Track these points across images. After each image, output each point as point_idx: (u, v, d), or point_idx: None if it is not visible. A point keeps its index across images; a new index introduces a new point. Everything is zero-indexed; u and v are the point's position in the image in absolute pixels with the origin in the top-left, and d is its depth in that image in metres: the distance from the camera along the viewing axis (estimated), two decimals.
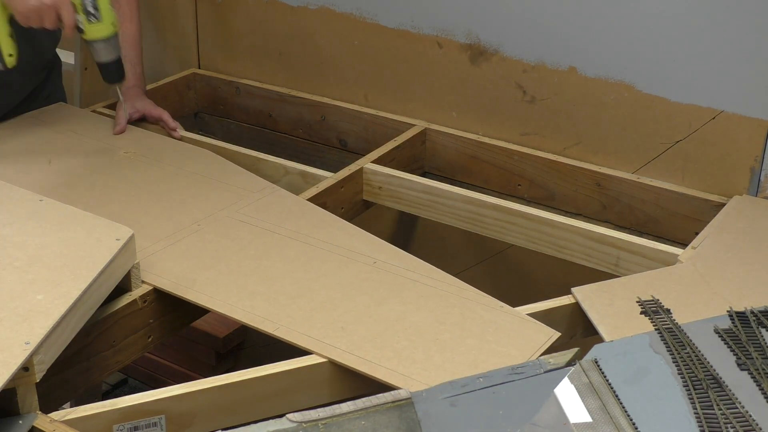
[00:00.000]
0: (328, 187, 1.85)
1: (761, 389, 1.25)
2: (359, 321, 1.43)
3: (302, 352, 1.39)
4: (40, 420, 1.24)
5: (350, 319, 1.43)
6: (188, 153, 1.97)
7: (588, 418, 1.20)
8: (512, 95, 1.98)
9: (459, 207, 1.83)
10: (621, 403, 1.22)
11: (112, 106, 2.15)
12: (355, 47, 2.16)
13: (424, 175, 2.07)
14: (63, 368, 1.38)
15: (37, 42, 1.96)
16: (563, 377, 1.27)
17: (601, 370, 1.28)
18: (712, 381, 1.26)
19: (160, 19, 2.45)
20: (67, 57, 2.39)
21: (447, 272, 1.55)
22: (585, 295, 1.47)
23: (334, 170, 1.93)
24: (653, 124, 1.84)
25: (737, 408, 1.21)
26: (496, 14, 1.95)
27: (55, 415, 1.26)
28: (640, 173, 1.88)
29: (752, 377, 1.27)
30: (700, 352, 1.31)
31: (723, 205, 1.76)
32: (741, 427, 1.18)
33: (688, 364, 1.29)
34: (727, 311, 1.42)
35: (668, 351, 1.32)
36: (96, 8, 1.70)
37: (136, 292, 1.49)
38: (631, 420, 1.19)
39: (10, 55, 1.75)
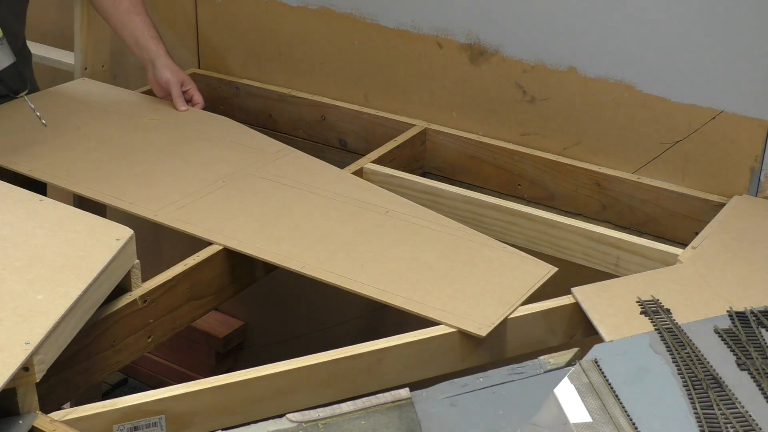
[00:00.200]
0: None
1: (761, 389, 1.25)
2: (377, 260, 1.58)
3: (302, 352, 1.39)
4: (40, 420, 1.24)
5: (369, 258, 1.58)
6: (207, 119, 2.12)
7: (588, 418, 1.20)
8: (512, 95, 1.98)
9: (459, 207, 1.83)
10: (621, 403, 1.22)
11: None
12: (355, 47, 2.16)
13: (424, 175, 2.07)
14: (63, 368, 1.38)
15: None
16: (563, 377, 1.27)
17: (601, 370, 1.28)
18: (712, 381, 1.26)
19: (160, 19, 2.45)
20: (67, 57, 2.39)
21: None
22: (585, 295, 1.47)
23: None
24: (653, 124, 1.84)
25: (737, 408, 1.21)
26: (496, 14, 1.95)
27: (55, 415, 1.26)
28: (640, 173, 1.88)
29: (752, 377, 1.27)
30: (700, 352, 1.31)
31: (723, 205, 1.76)
32: (741, 427, 1.18)
33: (688, 364, 1.29)
34: (727, 311, 1.42)
35: (668, 351, 1.32)
36: None
37: (136, 292, 1.50)
38: (631, 420, 1.19)
39: None
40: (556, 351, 1.37)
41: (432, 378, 1.36)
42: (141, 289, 1.51)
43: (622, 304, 1.44)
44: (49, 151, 1.93)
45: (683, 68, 1.77)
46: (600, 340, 1.37)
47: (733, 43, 1.70)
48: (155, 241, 2.68)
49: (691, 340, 1.34)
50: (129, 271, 1.48)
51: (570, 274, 1.60)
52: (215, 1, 2.34)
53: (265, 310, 2.69)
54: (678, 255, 1.59)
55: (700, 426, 1.18)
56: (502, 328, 1.45)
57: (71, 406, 1.30)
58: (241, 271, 1.67)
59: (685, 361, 1.30)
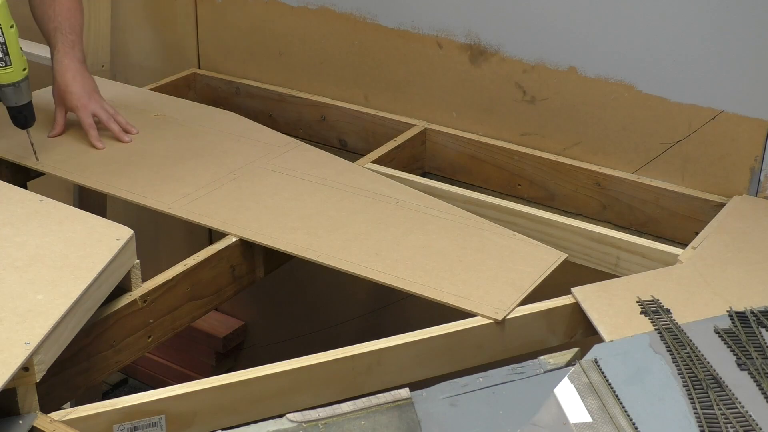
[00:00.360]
0: None
1: (761, 389, 1.25)
2: (391, 248, 1.61)
3: (302, 352, 1.39)
4: (40, 420, 1.24)
5: (383, 246, 1.61)
6: (213, 114, 2.14)
7: (588, 418, 1.20)
8: (512, 95, 1.98)
9: (459, 207, 1.83)
10: (621, 403, 1.22)
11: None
12: (355, 47, 2.16)
13: (424, 175, 2.07)
14: (63, 368, 1.38)
15: None
16: (563, 377, 1.27)
17: (601, 370, 1.28)
18: (712, 381, 1.26)
19: (160, 19, 2.45)
20: None
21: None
22: (585, 295, 1.47)
23: None
24: (653, 124, 1.84)
25: (737, 408, 1.21)
26: (496, 14, 1.95)
27: (55, 415, 1.26)
28: (640, 173, 1.88)
29: (752, 377, 1.27)
30: (700, 352, 1.31)
31: (723, 205, 1.76)
32: (741, 427, 1.18)
33: (688, 364, 1.29)
34: (727, 311, 1.42)
35: (668, 351, 1.32)
36: (6, 53, 1.71)
37: (136, 292, 1.50)
38: (631, 420, 1.19)
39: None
40: (556, 351, 1.37)
41: (432, 378, 1.36)
42: (141, 289, 1.51)
43: (622, 304, 1.44)
44: (57, 145, 1.94)
45: (683, 68, 1.77)
46: (600, 340, 1.37)
47: (733, 43, 1.70)
48: (155, 241, 2.68)
49: (691, 340, 1.34)
50: (129, 271, 1.48)
51: (570, 274, 1.60)
52: (215, 1, 2.34)
53: (265, 310, 2.69)
54: (678, 255, 1.59)
55: (700, 426, 1.18)
56: (502, 328, 1.45)
57: (71, 406, 1.30)
58: (241, 271, 1.68)
59: (685, 361, 1.30)
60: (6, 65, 1.72)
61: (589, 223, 1.75)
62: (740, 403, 1.22)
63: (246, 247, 1.67)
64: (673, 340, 1.34)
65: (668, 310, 1.42)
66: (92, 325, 1.42)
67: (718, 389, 1.24)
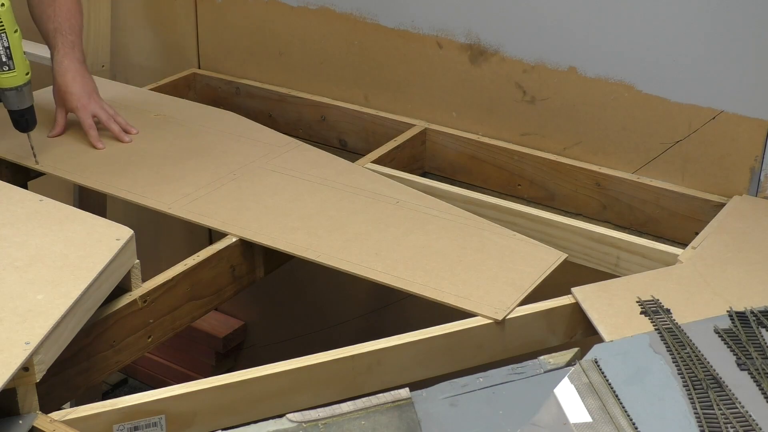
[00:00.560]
0: None
1: (761, 389, 1.25)
2: (391, 248, 1.61)
3: (302, 352, 1.39)
4: (40, 420, 1.24)
5: (383, 247, 1.61)
6: (213, 114, 2.14)
7: (588, 418, 1.20)
8: (512, 95, 1.98)
9: (459, 207, 1.83)
10: (621, 403, 1.22)
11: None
12: (355, 47, 2.16)
13: (424, 175, 2.07)
14: (63, 368, 1.38)
15: None
16: (563, 377, 1.27)
17: (601, 370, 1.28)
18: (712, 381, 1.26)
19: (160, 19, 2.45)
20: None
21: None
22: (585, 295, 1.47)
23: None
24: (653, 124, 1.84)
25: (737, 408, 1.21)
26: (496, 14, 1.95)
27: (55, 415, 1.26)
28: (640, 173, 1.88)
29: (752, 377, 1.27)
30: (700, 352, 1.31)
31: (723, 205, 1.76)
32: (741, 427, 1.18)
33: (688, 364, 1.29)
34: (727, 311, 1.42)
35: (668, 351, 1.32)
36: (9, 57, 1.71)
37: (136, 292, 1.50)
38: (631, 420, 1.19)
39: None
40: (556, 351, 1.37)
41: (432, 378, 1.36)
42: (141, 289, 1.51)
43: (622, 304, 1.44)
44: (57, 146, 1.94)
45: (683, 68, 1.77)
46: (600, 340, 1.37)
47: (733, 43, 1.70)
48: (155, 241, 2.68)
49: (691, 340, 1.34)
50: (129, 271, 1.48)
51: (570, 274, 1.60)
52: (215, 1, 2.34)
53: (265, 310, 2.69)
54: (678, 255, 1.59)
55: (700, 426, 1.18)
56: (502, 328, 1.45)
57: (71, 406, 1.30)
58: (241, 271, 1.68)
59: (685, 361, 1.30)
60: (9, 69, 1.72)
61: (589, 223, 1.75)
62: (740, 403, 1.22)
63: (246, 247, 1.67)
64: (673, 340, 1.34)
65: (668, 310, 1.42)
66: (92, 325, 1.42)
67: (718, 389, 1.24)
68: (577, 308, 1.46)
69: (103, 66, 2.39)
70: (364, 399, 1.26)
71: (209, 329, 2.67)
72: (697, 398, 1.22)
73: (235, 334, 2.69)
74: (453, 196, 1.84)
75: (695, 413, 1.20)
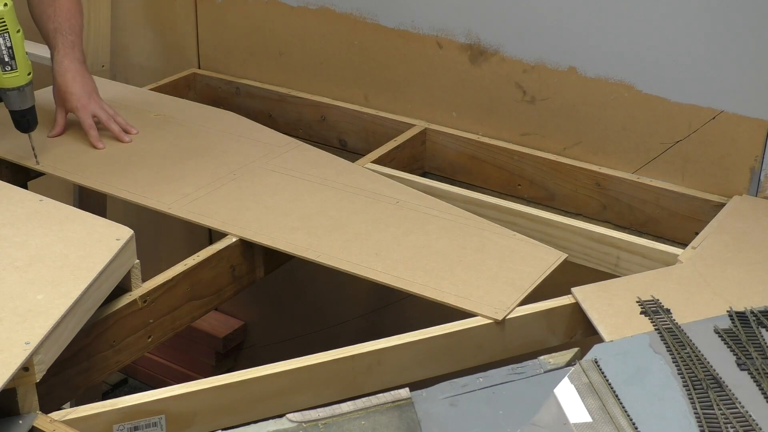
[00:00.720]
0: None
1: (761, 389, 1.25)
2: (391, 248, 1.61)
3: (302, 352, 1.39)
4: (40, 420, 1.24)
5: (383, 247, 1.61)
6: (213, 114, 2.14)
7: (588, 418, 1.20)
8: (512, 95, 1.98)
9: (459, 207, 1.83)
10: (621, 403, 1.22)
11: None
12: (355, 47, 2.16)
13: (424, 175, 2.07)
14: (63, 368, 1.38)
15: None
16: (563, 377, 1.27)
17: (601, 370, 1.28)
18: (712, 381, 1.26)
19: (160, 19, 2.45)
20: None
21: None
22: (585, 295, 1.47)
23: None
24: (653, 124, 1.84)
25: (737, 408, 1.21)
26: (496, 14, 1.94)
27: (55, 415, 1.26)
28: (640, 173, 1.88)
29: (752, 377, 1.27)
30: (700, 352, 1.31)
31: (723, 205, 1.76)
32: (741, 427, 1.18)
33: (688, 364, 1.29)
34: (727, 311, 1.42)
35: (668, 351, 1.32)
36: (12, 58, 1.71)
37: (136, 292, 1.50)
38: (631, 420, 1.19)
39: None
40: (556, 351, 1.37)
41: (432, 378, 1.36)
42: (141, 289, 1.51)
43: (622, 304, 1.44)
44: (57, 146, 1.94)
45: (683, 68, 1.77)
46: (600, 340, 1.37)
47: (733, 43, 1.70)
48: (155, 241, 2.68)
49: (691, 340, 1.34)
50: (129, 271, 1.48)
51: (570, 274, 1.60)
52: (215, 1, 2.34)
53: (265, 310, 2.69)
54: (678, 255, 1.59)
55: (700, 426, 1.18)
56: (502, 328, 1.45)
57: (71, 406, 1.30)
58: (241, 271, 1.68)
59: (685, 361, 1.30)
60: (12, 69, 1.72)
61: (589, 223, 1.75)
62: (740, 403, 1.22)
63: (246, 247, 1.67)
64: (673, 340, 1.34)
65: (668, 310, 1.42)
66: (92, 325, 1.42)
67: (718, 389, 1.24)
68: (577, 308, 1.46)
69: (103, 66, 2.39)
70: (364, 399, 1.26)
71: (209, 329, 2.67)
72: (697, 398, 1.22)
73: (235, 334, 2.69)
74: (453, 196, 1.84)
75: (695, 413, 1.20)
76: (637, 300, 1.45)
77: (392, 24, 2.08)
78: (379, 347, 1.39)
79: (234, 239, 1.65)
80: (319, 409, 1.25)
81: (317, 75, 2.25)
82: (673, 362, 1.30)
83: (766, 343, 1.34)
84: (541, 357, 1.34)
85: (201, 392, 1.31)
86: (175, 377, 2.73)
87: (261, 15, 2.28)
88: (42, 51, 2.24)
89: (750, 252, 1.58)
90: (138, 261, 1.49)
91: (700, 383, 1.25)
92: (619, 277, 1.58)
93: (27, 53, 1.75)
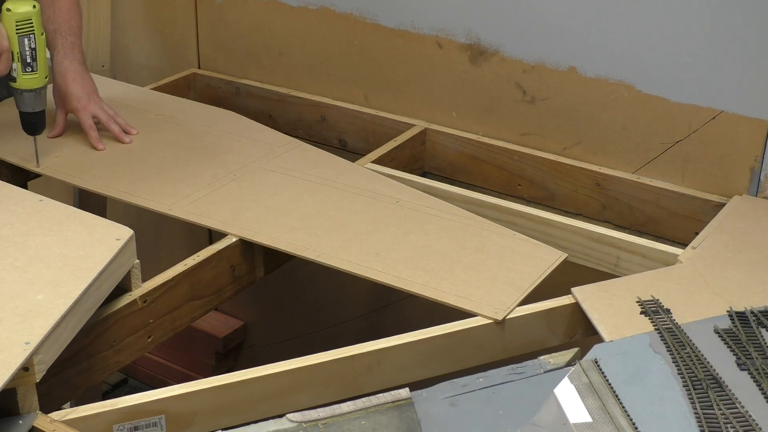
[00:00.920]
0: None
1: (761, 389, 1.25)
2: (391, 248, 1.61)
3: (302, 352, 1.39)
4: (40, 420, 1.24)
5: (383, 246, 1.61)
6: (213, 114, 2.13)
7: (588, 418, 1.20)
8: (512, 95, 1.98)
9: (459, 207, 1.83)
10: (621, 403, 1.22)
11: None
12: (355, 47, 2.16)
13: (424, 175, 2.07)
14: (63, 368, 1.38)
15: None
16: (563, 377, 1.27)
17: (601, 370, 1.28)
18: (712, 381, 1.26)
19: (160, 19, 2.45)
20: None
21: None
22: (585, 295, 1.47)
23: None
24: (653, 124, 1.84)
25: (737, 408, 1.21)
26: (496, 14, 1.95)
27: (55, 415, 1.26)
28: (640, 173, 1.88)
29: (752, 377, 1.27)
30: (700, 352, 1.31)
31: (723, 205, 1.76)
32: (741, 427, 1.18)
33: (688, 364, 1.29)
34: (727, 311, 1.42)
35: (668, 351, 1.32)
36: (34, 59, 1.72)
37: (136, 292, 1.50)
38: (631, 420, 1.19)
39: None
40: (556, 351, 1.37)
41: (432, 378, 1.36)
42: (141, 289, 1.51)
43: (622, 304, 1.44)
44: (57, 147, 1.93)
45: (683, 68, 1.77)
46: (600, 340, 1.37)
47: (733, 43, 1.70)
48: (155, 241, 2.68)
49: (691, 340, 1.34)
50: (129, 271, 1.48)
51: (570, 274, 1.60)
52: (215, 1, 2.34)
53: (265, 310, 2.69)
54: (678, 255, 1.59)
55: (700, 426, 1.18)
56: (502, 328, 1.45)
57: (71, 406, 1.30)
58: (241, 271, 1.68)
59: (685, 361, 1.30)
60: (32, 70, 1.72)
61: (589, 223, 1.75)
62: (740, 403, 1.22)
63: (246, 247, 1.67)
64: (673, 340, 1.34)
65: (668, 310, 1.42)
66: (92, 325, 1.42)
67: (718, 389, 1.24)
68: (577, 308, 1.46)
69: (103, 66, 2.39)
70: (364, 399, 1.26)
71: (209, 329, 2.67)
72: (697, 398, 1.22)
73: (235, 334, 2.69)
74: (453, 196, 1.84)
75: (695, 413, 1.20)
76: (637, 300, 1.45)
77: (392, 24, 2.08)
78: (379, 347, 1.39)
79: (234, 239, 1.65)
80: (319, 409, 1.24)
81: (317, 75, 2.25)
82: (673, 362, 1.30)
83: (766, 343, 1.34)
84: (541, 357, 1.34)
85: (201, 392, 1.31)
86: (175, 377, 2.73)
87: (261, 15, 2.28)
88: None
89: (750, 252, 1.58)
90: (138, 261, 1.49)
91: (700, 383, 1.25)
92: (619, 277, 1.58)
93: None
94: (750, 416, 1.20)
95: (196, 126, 2.06)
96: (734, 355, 1.31)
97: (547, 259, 1.58)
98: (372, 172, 1.88)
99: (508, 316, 1.44)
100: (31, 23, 1.69)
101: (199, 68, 2.44)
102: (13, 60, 1.70)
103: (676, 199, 1.83)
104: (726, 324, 1.39)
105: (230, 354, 2.72)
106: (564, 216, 1.78)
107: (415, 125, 2.11)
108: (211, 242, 1.70)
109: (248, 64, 2.35)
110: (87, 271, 1.37)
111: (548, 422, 1.20)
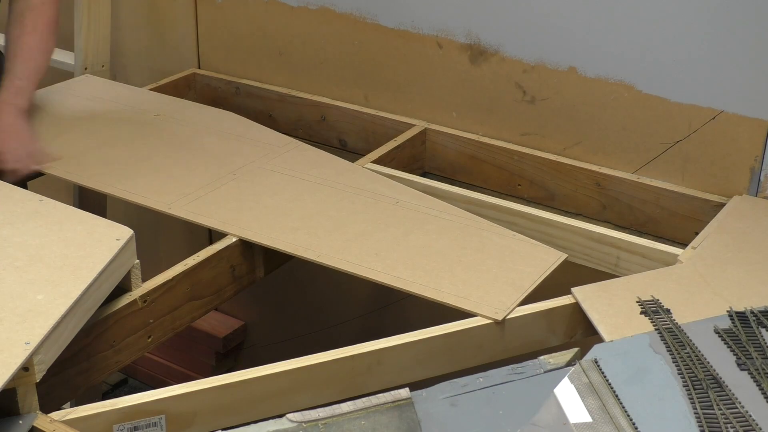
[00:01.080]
0: None
1: (761, 389, 1.25)
2: (391, 248, 1.61)
3: (302, 352, 1.39)
4: (40, 420, 1.24)
5: (383, 247, 1.61)
6: (213, 114, 2.13)
7: (588, 418, 1.20)
8: (512, 95, 1.98)
9: (459, 207, 1.83)
10: (621, 403, 1.22)
11: None
12: (355, 47, 2.16)
13: (424, 175, 2.07)
14: (63, 368, 1.38)
15: None
16: (563, 377, 1.27)
17: (601, 370, 1.28)
18: (712, 381, 1.26)
19: (160, 19, 2.45)
20: (67, 57, 2.39)
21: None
22: (585, 295, 1.47)
23: None
24: (653, 124, 1.84)
25: (737, 408, 1.21)
26: (496, 14, 1.95)
27: (55, 415, 1.26)
28: (640, 173, 1.88)
29: (752, 377, 1.27)
30: (700, 352, 1.31)
31: (723, 205, 1.76)
32: (741, 427, 1.18)
33: (688, 364, 1.29)
34: (727, 311, 1.42)
35: (668, 351, 1.32)
36: None
37: (136, 292, 1.50)
38: (631, 420, 1.19)
39: None
40: (556, 351, 1.37)
41: (432, 378, 1.36)
42: (141, 289, 1.51)
43: (622, 304, 1.44)
44: (59, 146, 1.94)
45: (683, 68, 1.77)
46: (600, 340, 1.37)
47: (733, 43, 1.70)
48: (155, 241, 2.68)
49: (691, 340, 1.34)
50: (129, 271, 1.48)
51: (570, 274, 1.60)
52: (215, 1, 2.34)
53: (265, 310, 2.69)
54: (678, 255, 1.59)
55: (700, 426, 1.18)
56: (502, 328, 1.45)
57: (71, 406, 1.30)
58: (241, 271, 1.68)
59: (685, 361, 1.30)
60: None
61: (589, 223, 1.75)
62: (740, 403, 1.22)
63: (246, 247, 1.67)
64: (673, 340, 1.34)
65: (668, 310, 1.42)
66: (92, 325, 1.42)
67: (718, 389, 1.24)
68: (577, 308, 1.46)
69: (102, 66, 2.38)
70: (364, 399, 1.26)
71: (209, 329, 2.67)
72: (697, 398, 1.22)
73: (235, 334, 2.69)
74: (453, 196, 1.84)
75: (695, 413, 1.20)
76: (637, 300, 1.45)
77: (392, 24, 2.08)
78: (379, 347, 1.39)
79: (234, 239, 1.65)
80: (319, 409, 1.24)
81: (317, 75, 2.25)
82: (673, 362, 1.30)
83: (766, 343, 1.34)
84: (541, 357, 1.34)
85: (201, 392, 1.31)
86: (175, 377, 2.73)
87: (261, 15, 2.28)
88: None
89: (750, 252, 1.58)
90: (138, 261, 1.49)
91: (700, 383, 1.25)
92: (619, 277, 1.58)
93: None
94: (750, 416, 1.20)
95: (195, 126, 2.06)
96: (734, 355, 1.31)
97: (547, 259, 1.58)
98: (372, 172, 1.88)
99: (508, 316, 1.44)
100: None
101: (199, 68, 2.44)
102: None
103: (676, 199, 1.84)
104: (726, 324, 1.39)
105: (230, 354, 2.72)
106: (564, 216, 1.78)
107: (415, 125, 2.11)
108: (211, 242, 1.70)
109: (248, 64, 2.35)
110: (87, 271, 1.37)
111: (548, 422, 1.20)
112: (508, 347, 1.47)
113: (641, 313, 1.42)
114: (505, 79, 1.98)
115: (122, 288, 1.48)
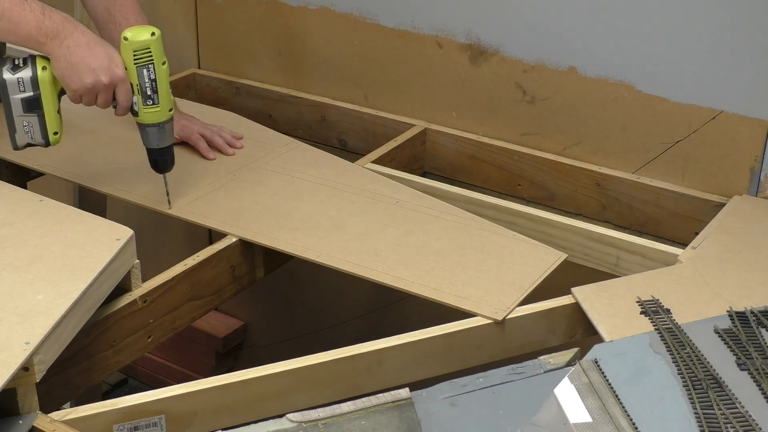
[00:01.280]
0: None
1: (761, 389, 1.25)
2: (391, 248, 1.61)
3: (302, 352, 1.39)
4: (40, 420, 1.24)
5: (382, 247, 1.61)
6: (212, 114, 2.12)
7: (588, 418, 1.20)
8: (512, 95, 1.98)
9: (459, 207, 1.83)
10: (621, 403, 1.22)
11: None
12: (355, 47, 2.16)
13: (424, 175, 2.07)
14: (63, 368, 1.38)
15: None
16: (563, 377, 1.27)
17: (601, 370, 1.28)
18: (712, 381, 1.26)
19: (160, 19, 2.45)
20: None
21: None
22: (585, 295, 1.47)
23: None
24: (653, 124, 1.84)
25: (737, 408, 1.21)
26: (496, 14, 1.94)
27: (55, 415, 1.26)
28: (640, 173, 1.88)
29: (752, 377, 1.27)
30: (700, 352, 1.31)
31: (723, 205, 1.76)
32: (741, 427, 1.18)
33: (688, 364, 1.29)
34: (727, 311, 1.42)
35: (668, 351, 1.32)
36: (155, 91, 1.60)
37: (136, 292, 1.50)
38: (631, 420, 1.19)
39: (55, 133, 1.62)
40: (556, 351, 1.37)
41: (432, 378, 1.36)
42: (141, 289, 1.51)
43: (622, 304, 1.44)
44: (59, 146, 1.91)
45: (683, 68, 1.77)
46: (600, 340, 1.37)
47: (733, 43, 1.70)
48: (155, 241, 2.68)
49: (691, 340, 1.34)
50: (129, 271, 1.48)
51: (570, 274, 1.60)
52: (215, 1, 2.34)
53: (265, 310, 2.69)
54: (678, 255, 1.59)
55: (700, 426, 1.18)
56: (502, 328, 1.45)
57: (71, 406, 1.30)
58: (241, 271, 1.68)
59: (685, 361, 1.30)
60: (153, 104, 1.61)
61: (589, 223, 1.75)
62: (740, 403, 1.22)
63: (246, 247, 1.67)
64: (673, 340, 1.34)
65: (668, 310, 1.42)
66: (92, 325, 1.42)
67: (718, 389, 1.24)
68: (577, 308, 1.46)
69: None
70: (364, 399, 1.26)
71: (209, 329, 2.67)
72: (697, 398, 1.22)
73: (235, 334, 2.69)
74: (453, 196, 1.84)
75: (695, 413, 1.20)
76: (637, 300, 1.45)
77: (392, 24, 2.08)
78: (379, 347, 1.39)
79: (234, 239, 1.65)
80: (319, 409, 1.25)
81: (317, 75, 2.25)
82: (673, 362, 1.30)
83: (766, 343, 1.34)
84: (541, 357, 1.34)
85: (201, 392, 1.31)
86: (175, 377, 2.73)
87: (261, 15, 2.28)
88: None
89: (750, 252, 1.58)
90: (138, 261, 1.49)
91: (700, 383, 1.25)
92: (619, 277, 1.58)
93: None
94: (750, 416, 1.20)
95: None
96: (734, 355, 1.31)
97: (547, 259, 1.58)
98: (372, 173, 1.88)
99: (508, 316, 1.44)
100: (150, 52, 1.58)
101: (199, 68, 2.44)
102: (133, 93, 1.60)
103: (676, 199, 1.83)
104: (726, 324, 1.39)
105: (230, 354, 2.72)
106: (564, 216, 1.78)
107: (415, 125, 2.11)
108: (211, 242, 1.70)
109: (248, 64, 2.35)
110: (87, 271, 1.37)
111: (548, 422, 1.20)
112: (508, 347, 1.47)
113: (641, 313, 1.42)
114: (505, 79, 1.98)
115: (122, 288, 1.48)
